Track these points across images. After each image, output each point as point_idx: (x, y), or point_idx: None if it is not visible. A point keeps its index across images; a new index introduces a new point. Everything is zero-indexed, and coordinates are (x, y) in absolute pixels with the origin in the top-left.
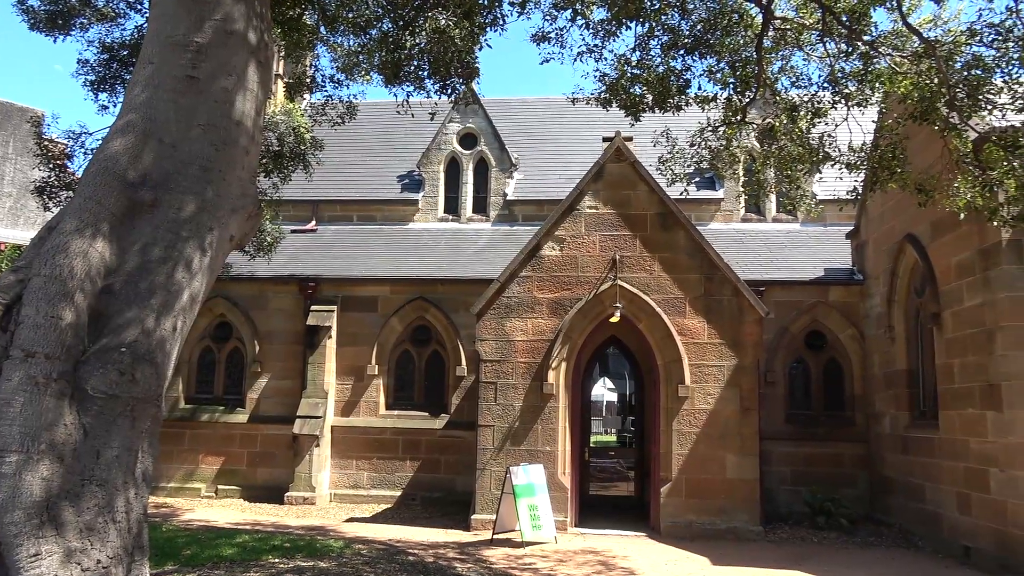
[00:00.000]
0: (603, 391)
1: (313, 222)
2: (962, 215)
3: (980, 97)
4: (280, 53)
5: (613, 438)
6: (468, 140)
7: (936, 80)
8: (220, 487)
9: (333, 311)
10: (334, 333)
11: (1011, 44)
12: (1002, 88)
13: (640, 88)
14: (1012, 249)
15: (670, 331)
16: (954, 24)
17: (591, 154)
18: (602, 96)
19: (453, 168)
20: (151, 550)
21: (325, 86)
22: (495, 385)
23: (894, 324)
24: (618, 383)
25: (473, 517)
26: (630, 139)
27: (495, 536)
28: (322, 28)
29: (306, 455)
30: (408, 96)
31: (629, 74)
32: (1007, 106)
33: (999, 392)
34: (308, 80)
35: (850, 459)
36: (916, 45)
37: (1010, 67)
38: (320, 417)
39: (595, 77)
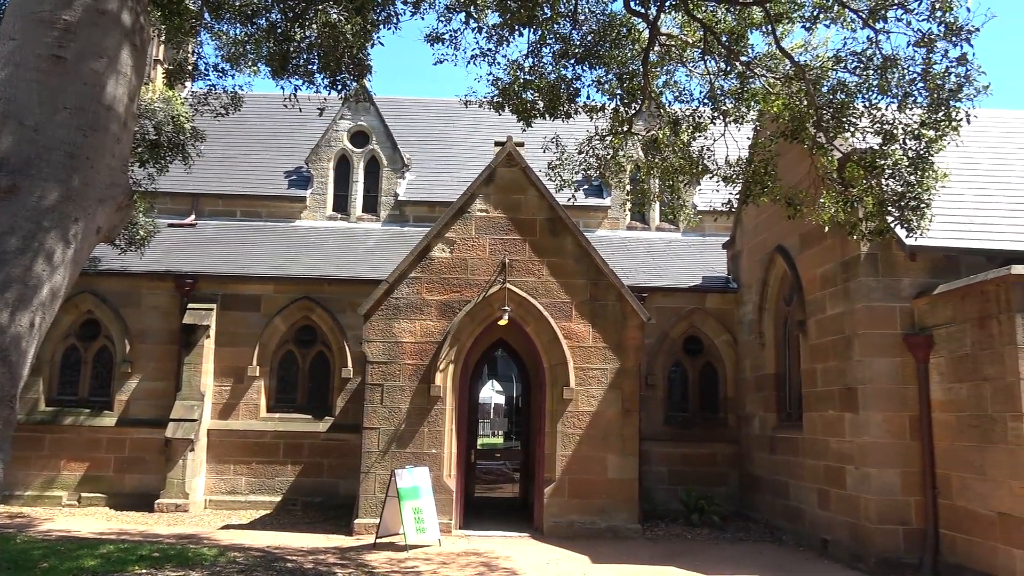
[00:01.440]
0: (491, 393)
1: (193, 216)
2: (827, 228)
3: (844, 119)
4: (160, 38)
5: (500, 440)
6: (359, 138)
7: (805, 102)
8: (84, 495)
9: (212, 310)
10: (213, 332)
11: (871, 72)
12: (863, 112)
13: (532, 94)
14: (869, 262)
15: (557, 335)
16: (822, 50)
17: (483, 157)
18: (495, 100)
19: (343, 166)
20: (2, 563)
21: (208, 75)
22: (382, 387)
23: (764, 330)
24: (506, 385)
25: (356, 521)
26: (521, 144)
27: (378, 540)
28: (206, 14)
29: (179, 460)
30: (296, 90)
31: (522, 80)
32: (867, 129)
33: (856, 395)
34: (190, 68)
35: (723, 458)
36: (788, 68)
37: (870, 93)
38: (196, 420)
39: (488, 81)
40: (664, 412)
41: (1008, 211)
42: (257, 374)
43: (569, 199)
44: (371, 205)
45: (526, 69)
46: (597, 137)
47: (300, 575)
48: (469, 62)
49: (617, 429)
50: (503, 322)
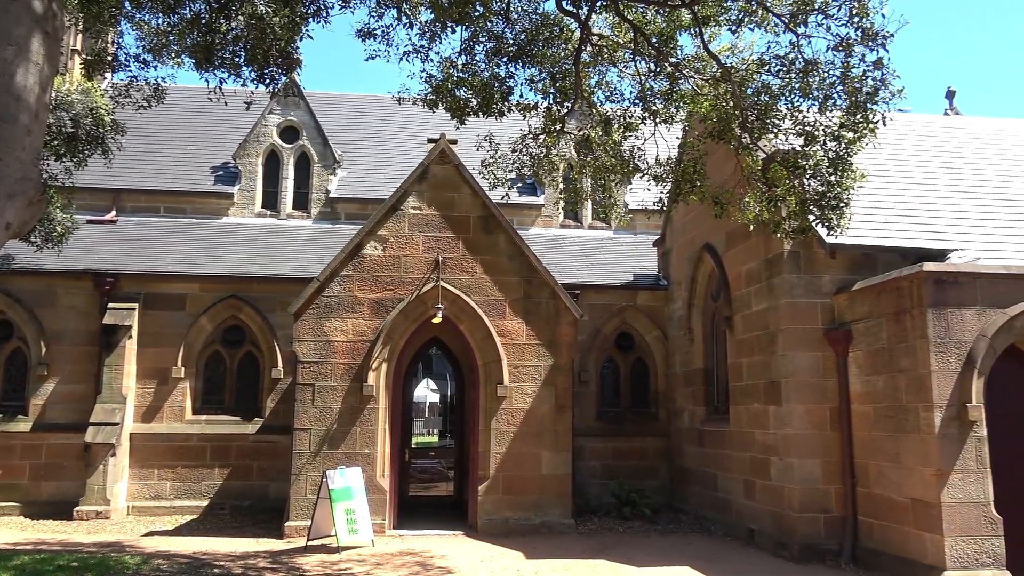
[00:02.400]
0: (426, 392)
1: (113, 212)
2: (751, 227)
3: (768, 121)
4: (78, 27)
5: (435, 439)
6: (289, 133)
7: (732, 103)
8: None
9: (134, 309)
10: (135, 333)
11: (793, 75)
12: (786, 114)
13: (465, 92)
14: (792, 259)
15: (490, 332)
16: (748, 53)
17: (417, 154)
18: (428, 97)
19: (272, 161)
20: None
21: (129, 66)
22: (313, 387)
23: (693, 326)
24: (441, 384)
25: (287, 524)
26: (455, 142)
27: (310, 543)
28: (126, 3)
29: (100, 465)
30: (222, 83)
31: (455, 77)
32: (790, 130)
33: (779, 388)
34: (110, 58)
35: (653, 452)
36: (715, 70)
37: (792, 95)
38: (117, 424)
39: (421, 78)
40: (597, 407)
41: (921, 210)
42: (182, 375)
43: (503, 197)
44: (302, 202)
45: (459, 67)
46: (530, 136)
47: None
48: (402, 58)
49: (551, 425)
50: (437, 320)
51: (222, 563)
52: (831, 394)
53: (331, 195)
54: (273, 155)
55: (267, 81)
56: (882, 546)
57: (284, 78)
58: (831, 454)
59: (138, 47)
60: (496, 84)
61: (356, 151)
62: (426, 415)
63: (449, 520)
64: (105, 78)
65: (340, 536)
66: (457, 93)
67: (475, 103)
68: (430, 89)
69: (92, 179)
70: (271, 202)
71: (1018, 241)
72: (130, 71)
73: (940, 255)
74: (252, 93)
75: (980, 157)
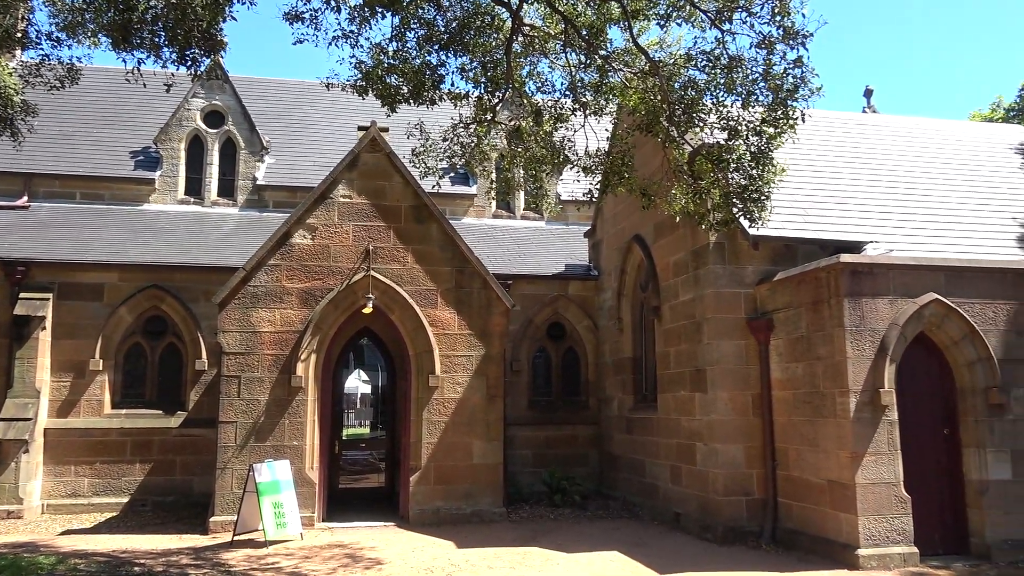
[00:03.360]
0: (358, 383)
1: (25, 198)
2: (678, 219)
3: (694, 115)
4: None
5: (367, 430)
6: (214, 118)
7: (660, 97)
8: None
9: (48, 299)
10: (49, 324)
11: (719, 71)
12: (711, 108)
13: (396, 79)
14: (717, 251)
15: (422, 322)
16: (676, 48)
17: (347, 142)
18: (358, 84)
19: (196, 147)
20: None
21: (41, 44)
22: (239, 379)
23: (623, 316)
24: (373, 375)
25: (212, 519)
26: (386, 130)
27: (236, 538)
28: None
29: (12, 463)
30: (140, 64)
31: (385, 64)
32: (715, 124)
33: (705, 376)
34: (19, 35)
35: (584, 440)
36: (644, 64)
37: (718, 91)
38: (30, 419)
39: (351, 64)
40: (528, 397)
41: (839, 204)
42: (100, 368)
43: (434, 186)
44: (227, 189)
45: (390, 53)
46: (462, 125)
47: None
48: (331, 43)
49: (482, 415)
50: (367, 310)
51: (143, 561)
52: (753, 381)
53: (258, 182)
54: (197, 140)
55: (189, 63)
56: (801, 526)
57: (207, 60)
58: (753, 439)
59: (51, 24)
60: (427, 72)
61: (284, 137)
62: (358, 406)
63: (380, 511)
64: (14, 56)
65: (268, 530)
66: (388, 80)
67: (406, 91)
68: (360, 75)
69: (1, 163)
70: (195, 189)
71: (928, 234)
72: (42, 49)
73: (856, 247)
74: (172, 75)
75: (895, 154)
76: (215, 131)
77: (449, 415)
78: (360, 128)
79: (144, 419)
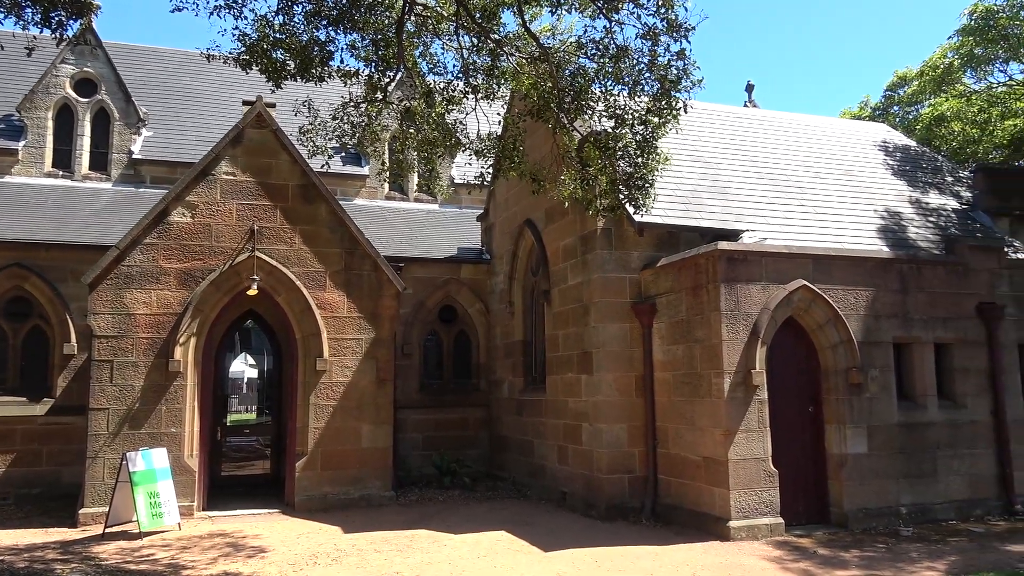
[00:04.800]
0: (244, 367)
1: None
2: (567, 204)
3: (583, 102)
4: None
5: (253, 416)
6: (85, 86)
7: (550, 83)
8: None
9: None
10: None
11: (607, 59)
12: (600, 97)
13: (282, 54)
14: (605, 236)
15: (310, 305)
16: (567, 36)
17: (232, 117)
18: (241, 57)
19: (65, 116)
20: None
21: None
22: (111, 363)
23: (514, 300)
24: (259, 359)
25: (81, 511)
26: (273, 106)
27: (108, 530)
28: None
29: None
30: None
31: (271, 38)
32: (603, 113)
33: (591, 358)
34: None
35: (474, 422)
36: (535, 50)
37: (606, 79)
38: None
39: (234, 36)
40: (419, 380)
41: (719, 193)
42: None
43: (322, 166)
44: (100, 162)
45: (276, 27)
46: (352, 104)
47: None
48: (212, 13)
49: (372, 399)
50: (252, 292)
51: (3, 558)
52: (637, 363)
53: (135, 156)
54: (66, 109)
55: (54, 26)
56: (678, 501)
57: (77, 23)
58: (636, 419)
59: None
60: (315, 48)
61: (164, 110)
62: (244, 391)
63: (265, 499)
64: None
65: (142, 521)
66: (273, 55)
67: (293, 66)
68: (244, 48)
69: None
70: (64, 161)
71: (800, 224)
72: None
73: (734, 235)
74: (35, 38)
75: (772, 147)
76: (87, 100)
77: (337, 399)
78: (245, 103)
79: (6, 407)
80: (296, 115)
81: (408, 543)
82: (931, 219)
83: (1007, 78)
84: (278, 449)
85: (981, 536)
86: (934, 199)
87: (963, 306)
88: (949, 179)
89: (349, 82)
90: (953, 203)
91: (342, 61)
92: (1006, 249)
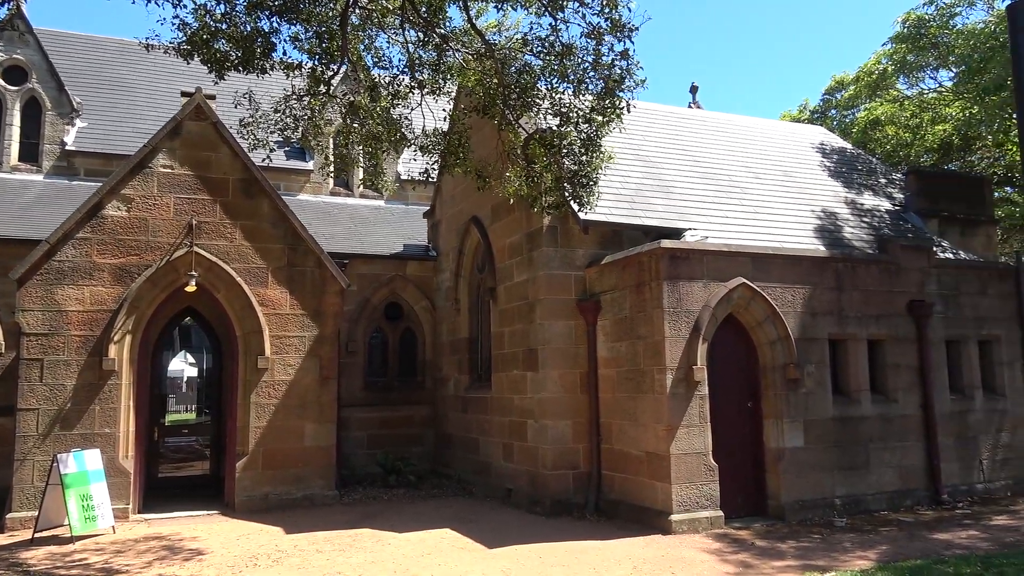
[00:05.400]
0: (183, 366)
1: None
2: (512, 201)
3: (529, 99)
4: None
5: (193, 415)
6: (15, 74)
7: (496, 80)
8: None
9: None
10: None
11: (552, 57)
12: (545, 95)
13: (224, 44)
14: (550, 234)
15: (251, 302)
16: (514, 32)
17: (171, 108)
18: (181, 47)
19: None
20: None
21: None
22: (41, 362)
23: (460, 297)
24: (200, 357)
25: (9, 516)
26: (213, 97)
27: (37, 535)
28: None
29: None
30: None
31: (212, 28)
32: (548, 110)
33: (536, 355)
34: None
35: (420, 420)
36: (480, 46)
37: (551, 77)
38: None
39: (174, 25)
40: (364, 378)
41: (662, 192)
42: None
43: (264, 160)
44: (31, 154)
45: (217, 16)
46: (295, 97)
47: None
48: (150, 0)
49: (315, 397)
50: (191, 288)
51: None
52: (582, 360)
53: (68, 148)
54: None
55: None
56: (622, 496)
57: (4, 8)
58: (580, 415)
59: None
60: (258, 39)
61: (99, 100)
62: (183, 390)
63: (204, 500)
64: None
65: (74, 525)
66: (214, 45)
67: (235, 57)
68: (184, 38)
69: None
70: None
71: (741, 223)
72: None
73: (676, 233)
74: None
75: (715, 147)
76: (16, 88)
77: (280, 398)
78: (184, 94)
79: None
80: (237, 107)
81: (351, 542)
82: (865, 219)
83: (937, 84)
84: (218, 449)
85: (911, 525)
86: (868, 200)
87: (895, 304)
88: (883, 181)
89: (292, 75)
90: (886, 204)
91: (285, 53)
92: (935, 249)
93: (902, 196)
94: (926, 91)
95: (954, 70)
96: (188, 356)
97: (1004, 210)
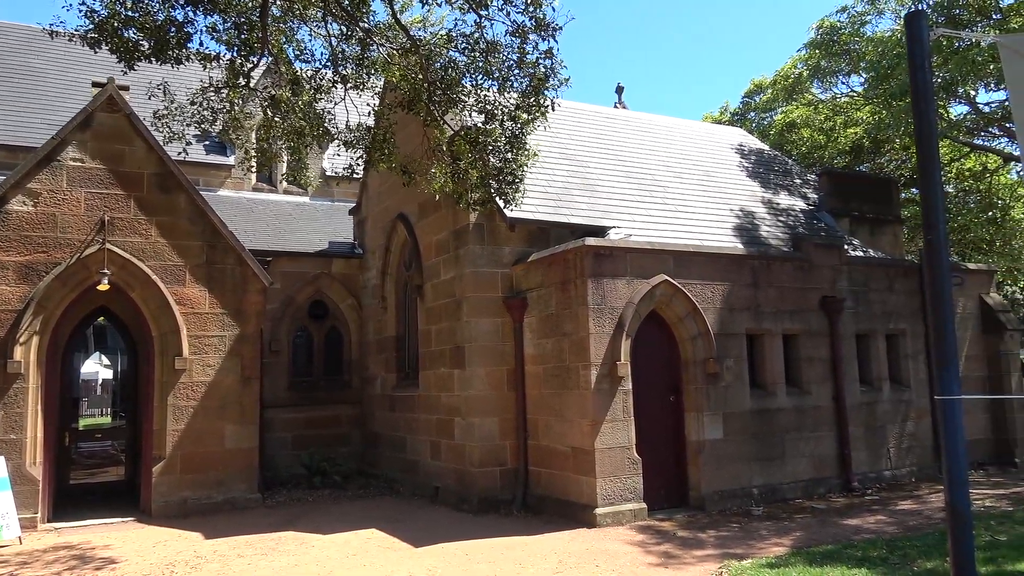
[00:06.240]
0: (98, 368)
1: None
2: (437, 198)
3: (454, 96)
4: None
5: (109, 419)
6: None
7: (421, 75)
8: None
9: None
10: None
11: (477, 54)
12: (471, 91)
13: (135, 33)
14: (477, 231)
15: (167, 301)
16: (439, 28)
17: (83, 99)
18: (89, 35)
19: None
20: None
21: None
22: None
23: (387, 295)
24: (115, 358)
25: None
26: (126, 88)
27: None
28: None
29: None
30: None
31: (123, 15)
32: (473, 107)
33: (464, 353)
34: None
35: (347, 419)
36: (405, 41)
37: (477, 74)
38: None
39: (81, 11)
40: (288, 378)
41: (588, 191)
42: None
43: (180, 153)
44: None
45: (128, 4)
46: (212, 89)
47: None
48: None
49: (236, 398)
50: (103, 287)
51: None
52: (509, 357)
53: None
54: None
55: None
56: (548, 491)
57: None
58: (508, 412)
59: None
60: (172, 28)
61: (5, 90)
62: (98, 393)
63: (119, 507)
64: None
65: None
66: (125, 34)
67: (147, 47)
68: (92, 26)
69: None
70: None
71: (663, 221)
72: None
73: (601, 231)
74: None
75: (639, 146)
76: None
77: (199, 399)
78: (96, 84)
79: None
80: (151, 99)
81: (274, 546)
82: (781, 218)
83: (849, 89)
84: (134, 454)
85: (823, 512)
86: (784, 200)
87: (808, 300)
88: (798, 181)
89: (210, 66)
90: (801, 204)
91: (201, 44)
92: (846, 247)
93: (816, 196)
94: (839, 95)
95: (864, 76)
96: (103, 358)
97: (910, 210)
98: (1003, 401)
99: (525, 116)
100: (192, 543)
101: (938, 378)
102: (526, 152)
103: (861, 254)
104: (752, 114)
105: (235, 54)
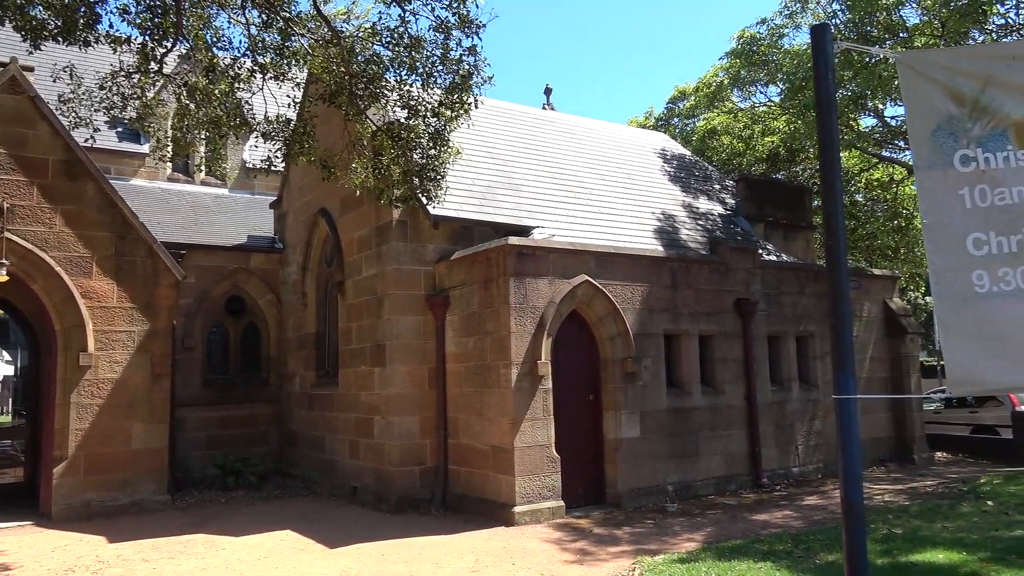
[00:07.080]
0: None
1: None
2: (359, 193)
3: (377, 90)
4: None
5: (9, 418)
6: None
7: (343, 68)
8: None
9: None
10: None
11: (402, 49)
12: (394, 86)
13: (41, 11)
14: (400, 228)
15: (72, 293)
16: (363, 21)
17: None
18: None
19: None
20: None
21: None
22: None
23: (307, 291)
24: (16, 354)
25: None
26: (31, 69)
27: None
28: None
29: None
30: None
31: None
32: (396, 103)
33: (384, 351)
34: None
35: (264, 418)
36: (327, 32)
37: (400, 69)
38: None
39: None
40: (202, 375)
41: (512, 190)
42: None
43: (87, 140)
44: None
45: None
46: (123, 73)
47: None
48: None
49: (145, 396)
50: (2, 278)
51: None
52: (430, 355)
53: None
54: None
55: None
56: (468, 490)
57: None
58: (428, 411)
59: None
60: (82, 7)
61: None
62: None
63: (17, 510)
64: None
65: None
66: (29, 12)
67: (53, 26)
68: None
69: None
70: None
71: (586, 222)
72: None
73: (525, 231)
74: None
75: (564, 148)
76: None
77: (105, 397)
78: None
79: None
80: (56, 81)
81: (182, 549)
82: (700, 222)
83: (767, 99)
84: (35, 454)
85: (734, 508)
86: (703, 204)
87: (723, 302)
88: (717, 187)
89: (120, 49)
90: (719, 208)
91: (112, 26)
92: (760, 251)
93: (734, 201)
94: (758, 104)
95: (781, 87)
96: (3, 353)
97: (821, 217)
98: (903, 400)
99: (449, 113)
100: (94, 547)
101: (835, 378)
102: (449, 149)
103: (775, 258)
104: (676, 120)
105: (147, 38)
